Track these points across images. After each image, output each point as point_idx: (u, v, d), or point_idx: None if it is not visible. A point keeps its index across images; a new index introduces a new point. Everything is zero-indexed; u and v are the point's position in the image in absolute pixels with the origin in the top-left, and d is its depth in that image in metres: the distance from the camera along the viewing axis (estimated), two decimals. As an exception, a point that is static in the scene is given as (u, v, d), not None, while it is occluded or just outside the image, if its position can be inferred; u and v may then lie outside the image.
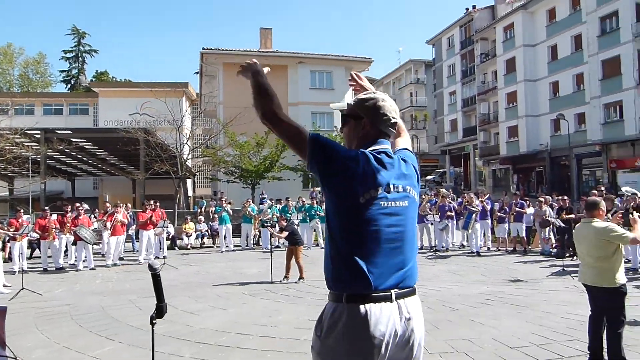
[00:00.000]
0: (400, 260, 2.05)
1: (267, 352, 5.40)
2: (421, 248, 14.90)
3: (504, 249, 14.18)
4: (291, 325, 6.50)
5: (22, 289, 9.15)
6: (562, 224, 11.95)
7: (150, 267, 2.48)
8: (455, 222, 14.64)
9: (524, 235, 13.89)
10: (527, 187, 36.96)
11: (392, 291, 1.99)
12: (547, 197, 14.31)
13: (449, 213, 14.31)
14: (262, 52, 31.78)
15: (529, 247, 13.99)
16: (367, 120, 2.19)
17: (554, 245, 13.21)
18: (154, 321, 2.56)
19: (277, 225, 11.31)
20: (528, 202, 14.57)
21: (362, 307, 1.94)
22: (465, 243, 14.77)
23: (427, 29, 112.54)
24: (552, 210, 13.20)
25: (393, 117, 2.21)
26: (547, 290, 8.58)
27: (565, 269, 10.20)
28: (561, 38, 33.38)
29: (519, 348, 5.33)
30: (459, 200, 16.44)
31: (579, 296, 7.22)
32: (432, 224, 14.65)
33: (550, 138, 34.02)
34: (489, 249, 14.42)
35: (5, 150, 19.85)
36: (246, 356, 5.30)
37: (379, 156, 2.08)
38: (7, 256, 11.51)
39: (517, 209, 13.82)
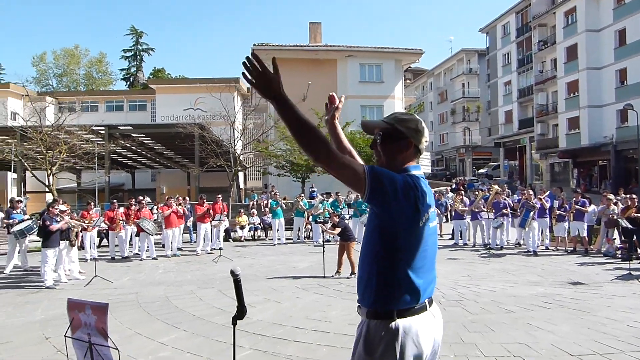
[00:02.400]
0: (434, 274, 2.24)
1: (322, 346, 5.59)
2: (473, 245, 14.74)
3: (563, 248, 13.63)
4: (345, 320, 6.66)
5: (95, 276, 9.86)
6: (630, 225, 11.06)
7: (232, 273, 2.71)
8: (510, 219, 14.30)
9: (585, 234, 13.16)
10: (589, 182, 35.41)
11: (426, 301, 2.16)
12: (613, 195, 13.50)
13: (504, 210, 13.98)
14: (311, 46, 32.00)
15: (591, 247, 13.31)
16: (410, 140, 2.23)
17: (619, 247, 12.54)
18: (236, 322, 2.78)
19: (329, 221, 11.48)
20: (589, 199, 13.94)
21: (411, 320, 2.06)
22: (521, 242, 14.30)
23: (480, 16, 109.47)
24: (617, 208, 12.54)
25: (425, 139, 2.31)
26: (610, 295, 8.09)
27: (633, 272, 9.61)
28: (630, 21, 31.28)
29: (580, 356, 5.11)
30: (516, 196, 15.98)
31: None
32: (485, 220, 14.37)
33: (615, 130, 32.24)
34: (547, 248, 13.89)
35: (75, 146, 21.11)
36: (302, 349, 5.50)
37: (422, 179, 2.20)
38: (79, 245, 12.32)
39: (577, 207, 13.17)
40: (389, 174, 2.02)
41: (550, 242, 14.21)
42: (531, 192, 14.04)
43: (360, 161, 2.31)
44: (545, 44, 39.87)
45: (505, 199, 14.46)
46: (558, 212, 13.50)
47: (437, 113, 60.11)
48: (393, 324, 2.03)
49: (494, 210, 14.06)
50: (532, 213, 13.03)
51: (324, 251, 10.61)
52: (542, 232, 13.98)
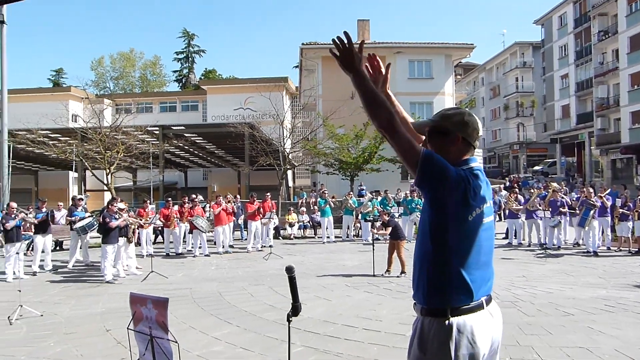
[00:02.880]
0: (490, 271, 2.18)
1: (373, 345, 5.56)
2: (529, 245, 14.27)
3: (627, 249, 12.90)
4: (395, 320, 6.61)
5: (151, 271, 10.23)
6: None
7: (288, 270, 2.74)
8: (568, 218, 13.72)
9: (651, 234, 12.44)
10: (655, 179, 33.49)
11: (483, 299, 2.10)
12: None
13: (561, 209, 13.43)
14: (359, 44, 31.81)
15: (657, 248, 12.54)
16: (458, 134, 2.20)
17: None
18: (290, 319, 2.81)
19: (379, 219, 11.39)
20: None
21: (466, 318, 2.03)
22: (580, 241, 13.69)
23: (534, 8, 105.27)
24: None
25: (478, 132, 2.25)
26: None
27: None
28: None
29: (647, 362, 4.86)
30: (574, 194, 15.33)
31: None
32: (541, 219, 13.88)
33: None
34: (608, 248, 13.22)
35: (132, 146, 21.96)
36: (353, 348, 5.49)
37: (479, 174, 2.16)
38: (136, 241, 12.81)
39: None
40: (443, 163, 2.03)
41: (612, 242, 13.50)
42: (591, 190, 13.40)
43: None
44: (605, 34, 37.93)
45: (562, 197, 13.91)
46: (621, 210, 12.86)
47: (490, 109, 58.51)
48: (446, 322, 2.01)
49: (550, 209, 13.54)
50: (592, 212, 12.47)
51: (373, 249, 10.55)
52: (602, 232, 13.31)
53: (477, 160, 2.25)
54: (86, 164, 22.05)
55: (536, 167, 46.83)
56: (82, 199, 14.19)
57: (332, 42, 2.15)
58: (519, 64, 51.96)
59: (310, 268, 11.14)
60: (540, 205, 13.86)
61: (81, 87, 31.61)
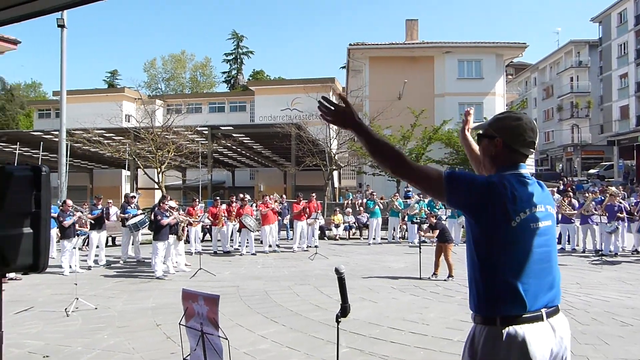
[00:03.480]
0: (550, 279, 2.06)
1: (419, 349, 5.49)
2: (583, 251, 13.70)
3: (690, 257, 12.29)
4: (442, 324, 6.50)
5: (200, 269, 10.48)
6: None
7: (337, 271, 2.74)
8: (627, 224, 13.08)
9: None
10: None
11: (543, 310, 2.00)
12: None
13: (619, 214, 12.82)
14: (408, 44, 31.49)
15: None
16: (500, 139, 2.16)
17: None
18: (339, 320, 2.81)
19: (426, 222, 11.23)
20: None
21: (517, 328, 1.95)
22: (639, 249, 13.09)
23: (591, 5, 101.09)
24: None
25: (529, 137, 2.15)
26: None
27: None
28: None
29: None
30: (633, 199, 14.62)
31: None
32: (597, 224, 13.30)
33: None
34: (669, 256, 12.62)
35: (182, 145, 22.59)
36: (399, 351, 5.43)
37: (521, 178, 2.10)
38: (185, 239, 13.14)
39: None
40: (466, 175, 2.06)
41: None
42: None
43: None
44: (669, 31, 36.01)
45: (621, 202, 13.27)
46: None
47: (542, 109, 56.57)
48: (496, 330, 1.97)
49: (607, 214, 12.95)
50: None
51: (420, 252, 10.40)
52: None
53: (520, 167, 2.16)
54: (138, 162, 22.82)
55: (592, 171, 44.89)
56: (135, 197, 14.67)
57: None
58: (574, 63, 49.95)
59: (356, 269, 11.10)
60: (596, 210, 13.28)
61: (134, 88, 32.91)
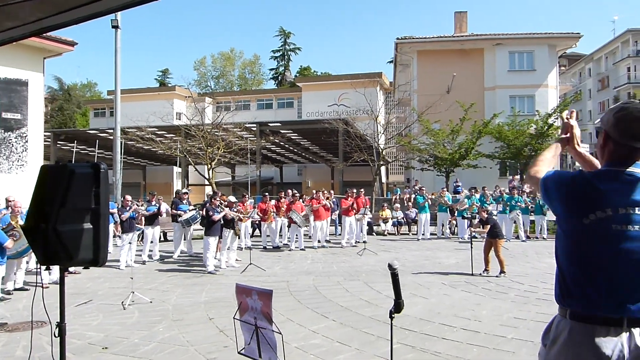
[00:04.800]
0: (632, 288, 1.88)
1: (472, 346, 5.38)
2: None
3: None
4: (496, 321, 6.34)
5: (250, 264, 10.65)
6: None
7: (390, 267, 2.72)
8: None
9: None
10: None
11: (625, 318, 1.87)
12: None
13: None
14: (457, 36, 30.78)
15: None
16: (604, 131, 2.05)
17: None
18: (393, 315, 2.79)
19: (477, 216, 10.98)
20: None
21: (585, 326, 1.90)
22: None
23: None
24: None
25: (634, 128, 1.96)
26: None
27: None
28: None
29: None
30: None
31: None
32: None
33: None
34: None
35: (231, 142, 23.02)
36: (452, 347, 5.34)
37: (620, 175, 1.96)
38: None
39: None
40: (551, 175, 2.12)
41: None
42: None
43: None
44: None
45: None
46: None
47: (597, 101, 54.01)
48: (564, 321, 1.99)
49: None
50: None
51: (471, 248, 10.18)
52: None
53: (623, 164, 1.98)
54: (189, 159, 23.43)
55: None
56: (187, 193, 15.06)
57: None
58: (632, 53, 47.38)
59: (406, 265, 10.98)
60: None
61: (185, 86, 33.72)
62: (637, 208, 1.90)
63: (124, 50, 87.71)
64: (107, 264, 11.34)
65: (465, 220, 15.75)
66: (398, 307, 2.71)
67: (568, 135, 2.40)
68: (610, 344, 1.87)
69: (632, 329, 1.88)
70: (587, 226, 1.92)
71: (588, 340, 1.89)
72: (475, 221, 10.78)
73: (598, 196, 1.93)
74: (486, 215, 10.29)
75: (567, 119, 2.42)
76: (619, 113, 2.00)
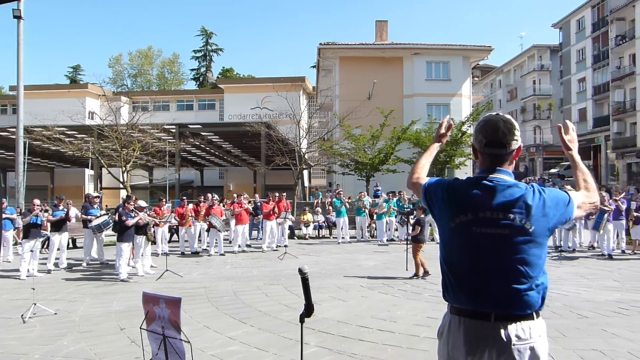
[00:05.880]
0: (499, 284, 2.04)
1: (387, 346, 5.54)
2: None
3: (642, 252, 12.84)
4: (410, 321, 6.58)
5: (166, 270, 10.29)
6: None
7: (300, 271, 2.74)
8: (583, 221, 13.60)
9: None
10: (672, 184, 32.90)
11: (493, 312, 2.05)
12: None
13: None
14: (377, 44, 31.76)
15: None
16: (473, 146, 2.30)
17: None
18: (304, 319, 2.80)
19: (414, 214, 11.10)
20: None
21: (460, 318, 2.13)
22: (595, 244, 13.63)
23: (553, 11, 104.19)
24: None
25: (483, 137, 2.19)
26: (696, 302, 7.60)
27: None
28: None
29: (663, 366, 4.83)
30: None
31: None
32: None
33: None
34: (623, 252, 13.17)
35: (148, 144, 22.13)
36: (368, 348, 5.48)
37: (478, 182, 2.15)
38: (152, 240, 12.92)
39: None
40: (433, 183, 2.35)
41: (627, 245, 13.44)
42: (604, 194, 13.23)
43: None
44: (623, 38, 37.43)
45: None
46: (635, 214, 12.81)
47: (507, 111, 57.75)
48: (447, 315, 2.25)
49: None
50: (606, 215, 12.41)
51: (407, 249, 10.41)
52: (617, 235, 13.29)
53: (502, 171, 2.17)
54: (102, 161, 22.24)
55: (552, 170, 46.30)
56: (98, 197, 14.28)
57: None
58: (537, 67, 51.43)
59: (326, 268, 11.13)
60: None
61: (98, 84, 31.99)
62: (494, 212, 2.07)
63: (30, 44, 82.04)
64: (5, 274, 10.54)
65: (384, 223, 16.24)
66: (308, 311, 2.73)
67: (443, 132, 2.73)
68: (479, 335, 2.07)
69: (500, 322, 2.05)
70: (454, 229, 2.14)
71: (459, 333, 2.10)
72: (412, 220, 10.88)
73: (463, 201, 2.13)
74: (422, 214, 10.19)
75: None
76: (477, 127, 2.24)
